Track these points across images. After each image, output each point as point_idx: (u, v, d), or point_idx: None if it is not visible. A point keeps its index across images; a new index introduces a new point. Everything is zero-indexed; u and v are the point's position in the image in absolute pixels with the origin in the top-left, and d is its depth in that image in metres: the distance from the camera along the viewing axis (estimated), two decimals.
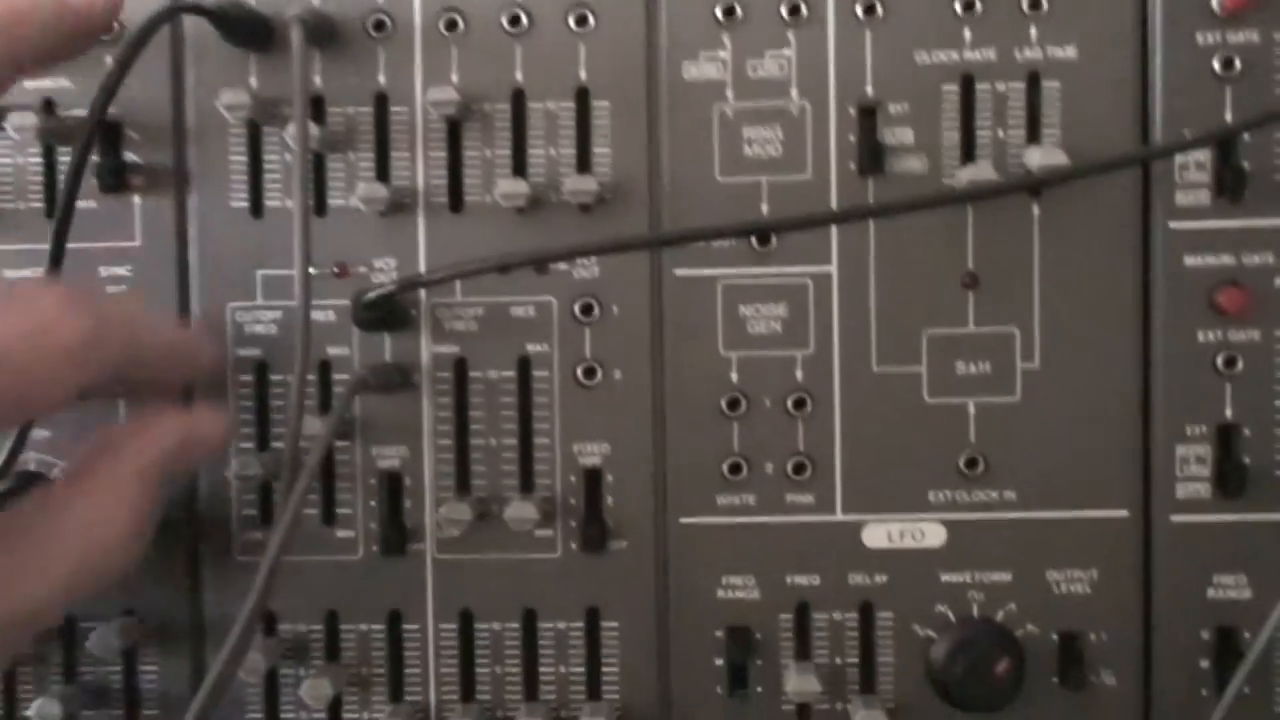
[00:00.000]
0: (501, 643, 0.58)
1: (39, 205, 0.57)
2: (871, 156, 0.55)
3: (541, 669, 0.58)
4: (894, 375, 0.56)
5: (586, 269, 0.56)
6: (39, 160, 0.57)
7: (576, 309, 0.56)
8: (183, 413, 0.51)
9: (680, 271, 0.56)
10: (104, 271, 0.57)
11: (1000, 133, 0.55)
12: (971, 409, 0.56)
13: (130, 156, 0.57)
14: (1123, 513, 0.56)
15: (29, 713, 0.57)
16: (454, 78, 0.56)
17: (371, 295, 0.53)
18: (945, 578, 0.56)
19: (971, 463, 0.56)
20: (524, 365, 0.57)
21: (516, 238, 0.56)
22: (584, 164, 0.56)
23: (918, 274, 0.56)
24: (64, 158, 0.57)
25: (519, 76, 0.56)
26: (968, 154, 0.55)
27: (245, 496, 0.57)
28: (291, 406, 0.51)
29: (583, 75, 0.56)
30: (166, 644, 0.58)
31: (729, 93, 0.56)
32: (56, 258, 0.53)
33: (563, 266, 0.56)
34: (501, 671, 0.58)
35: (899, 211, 0.53)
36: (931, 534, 0.56)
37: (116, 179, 0.56)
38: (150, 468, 0.47)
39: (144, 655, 0.58)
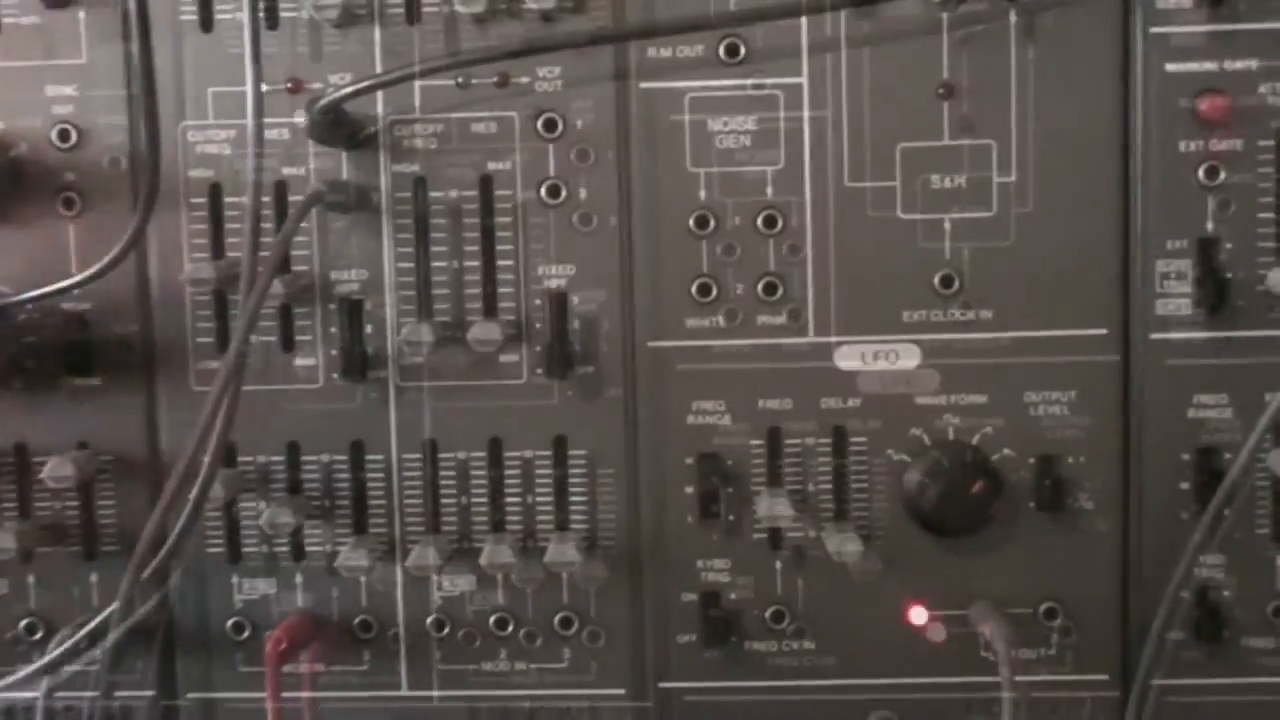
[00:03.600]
0: (467, 472, 0.59)
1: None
2: None
3: (508, 499, 0.59)
4: (867, 190, 0.57)
5: (549, 82, 0.57)
6: None
7: (539, 124, 0.57)
8: None
9: (646, 84, 0.57)
10: (50, 91, 0.57)
11: None
12: (948, 225, 0.57)
13: None
14: (1102, 331, 0.57)
15: None
16: None
17: (326, 100, 0.53)
18: (920, 400, 0.58)
19: (947, 281, 0.57)
20: (486, 184, 0.57)
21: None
22: None
23: (892, 85, 0.56)
24: None
25: None
26: None
27: (199, 324, 0.58)
28: (248, 219, 0.52)
29: None
30: (123, 477, 0.59)
31: None
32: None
33: (524, 79, 0.57)
34: (467, 502, 0.59)
35: (866, 3, 0.54)
36: (906, 355, 0.57)
37: None
38: None
39: (101, 489, 0.59)
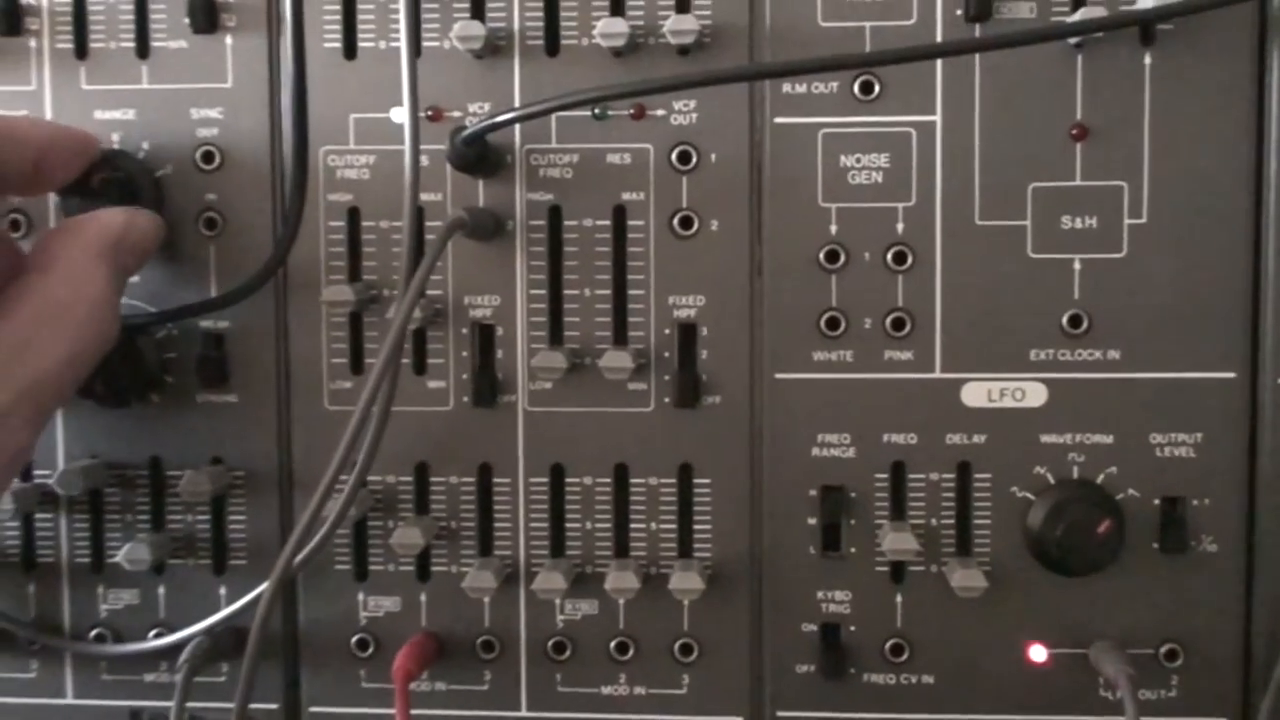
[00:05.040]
0: (592, 498, 0.61)
1: (130, 45, 0.60)
2: (979, 1, 0.57)
3: (632, 525, 0.61)
4: (997, 229, 0.59)
5: (684, 115, 0.59)
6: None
7: (674, 157, 0.59)
8: (121, 208, 0.56)
9: (780, 119, 0.59)
10: (196, 114, 0.60)
11: None
12: (1077, 265, 0.58)
13: None
14: (1230, 374, 0.58)
15: (117, 558, 0.61)
16: None
17: (470, 130, 0.56)
18: (1045, 439, 0.59)
19: (1075, 320, 0.59)
20: (619, 214, 0.60)
21: (613, 81, 0.58)
22: (683, 4, 0.59)
23: (1024, 124, 0.58)
24: None
25: None
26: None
27: (334, 344, 0.61)
28: (405, 250, 0.55)
29: None
30: (255, 493, 0.62)
31: None
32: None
33: (660, 112, 0.59)
34: (592, 527, 0.61)
35: (1004, 46, 0.55)
36: (1032, 393, 0.59)
37: (209, 19, 0.60)
38: (107, 249, 0.54)
39: (232, 503, 0.62)
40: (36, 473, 0.62)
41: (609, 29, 0.57)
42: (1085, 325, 0.58)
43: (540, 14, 0.59)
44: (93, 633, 0.63)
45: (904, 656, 0.60)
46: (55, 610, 0.63)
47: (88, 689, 0.63)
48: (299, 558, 0.55)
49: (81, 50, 0.61)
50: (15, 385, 0.50)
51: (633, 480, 0.60)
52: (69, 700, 0.63)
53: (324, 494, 0.53)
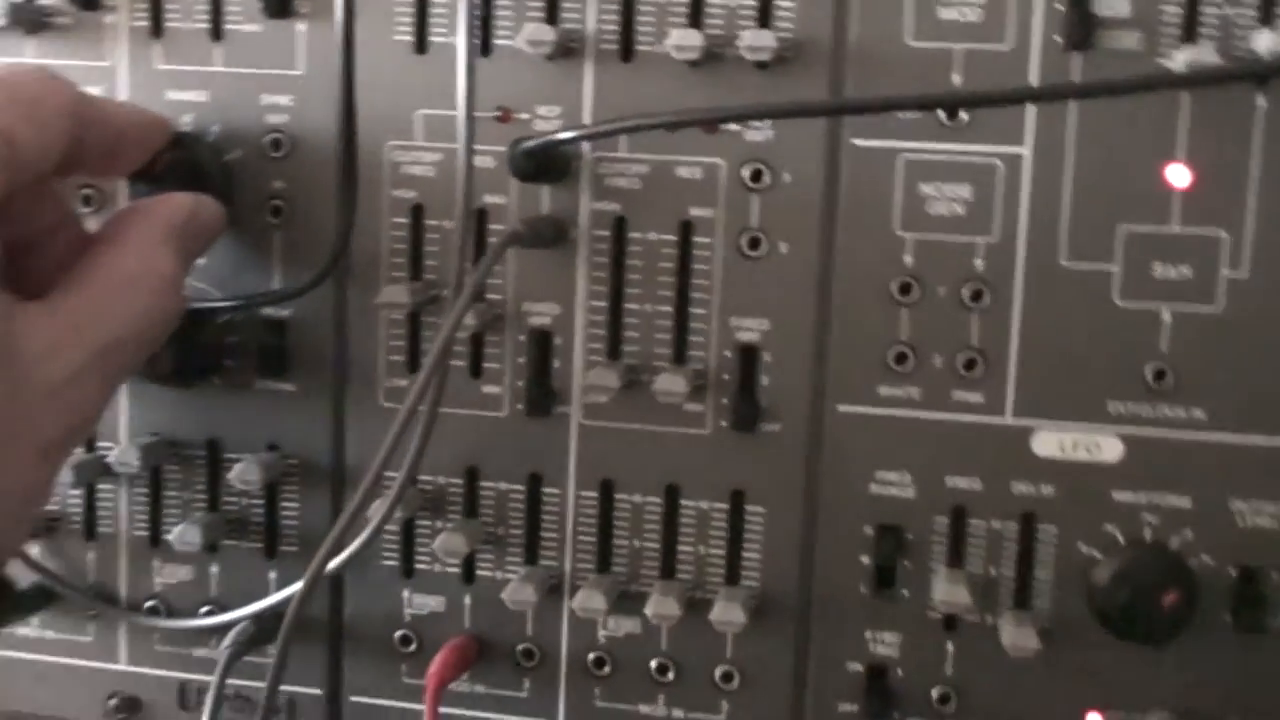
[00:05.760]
0: (641, 516, 0.63)
1: (204, 26, 0.64)
2: (1080, 28, 0.56)
3: (680, 547, 0.63)
4: (1083, 272, 0.58)
5: (759, 131, 0.60)
6: None
7: (746, 174, 0.60)
8: (188, 193, 0.59)
9: (859, 141, 0.60)
10: (266, 100, 0.64)
11: (1228, 9, 0.56)
12: (1166, 316, 0.59)
13: None
14: None
15: (169, 537, 0.66)
16: None
17: (530, 144, 0.58)
18: (1118, 496, 0.59)
19: (1160, 374, 0.58)
20: (686, 229, 0.61)
21: (687, 92, 0.59)
22: (765, 17, 0.59)
23: (1120, 163, 0.58)
24: None
25: None
26: (1189, 32, 0.56)
27: (392, 341, 0.65)
28: (455, 255, 0.58)
29: None
30: (309, 481, 0.65)
31: None
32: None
33: (734, 127, 0.60)
34: (639, 545, 0.64)
35: (1105, 93, 0.55)
36: (1108, 447, 0.60)
37: (281, 3, 0.62)
38: (174, 229, 0.57)
39: (285, 491, 0.66)
40: (100, 444, 0.68)
41: (683, 41, 0.58)
42: (1171, 380, 0.58)
43: (616, 19, 0.60)
44: (147, 604, 0.68)
45: (951, 706, 0.62)
46: (113, 579, 0.68)
47: (141, 657, 0.68)
48: (340, 559, 0.59)
49: (157, 28, 0.64)
50: (90, 348, 0.53)
51: (684, 502, 0.62)
52: (122, 666, 0.69)
53: (365, 493, 0.55)
